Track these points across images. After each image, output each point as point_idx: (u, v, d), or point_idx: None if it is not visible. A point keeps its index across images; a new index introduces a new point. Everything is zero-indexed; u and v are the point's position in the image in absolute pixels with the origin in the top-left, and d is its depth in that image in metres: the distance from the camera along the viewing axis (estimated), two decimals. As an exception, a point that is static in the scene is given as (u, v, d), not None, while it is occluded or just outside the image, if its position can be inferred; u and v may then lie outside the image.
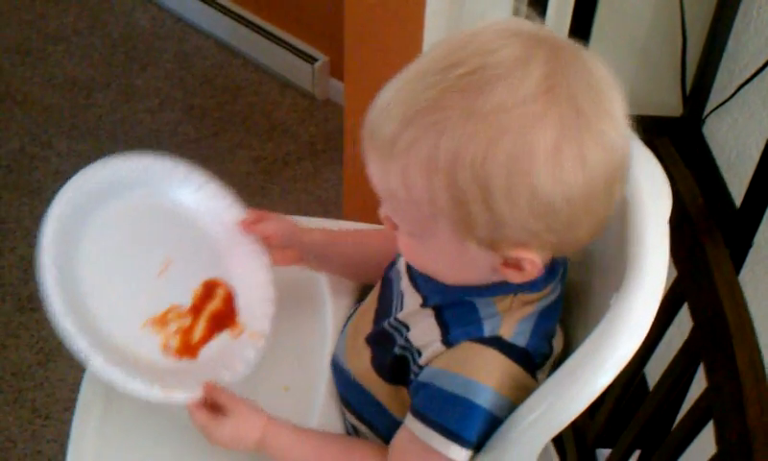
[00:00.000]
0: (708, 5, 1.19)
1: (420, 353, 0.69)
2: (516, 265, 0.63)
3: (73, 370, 1.56)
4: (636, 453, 0.93)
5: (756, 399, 0.67)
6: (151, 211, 0.83)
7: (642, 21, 1.28)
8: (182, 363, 0.77)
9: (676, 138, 0.63)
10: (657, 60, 1.26)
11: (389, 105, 0.60)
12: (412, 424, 0.67)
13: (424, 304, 0.71)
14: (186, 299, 0.80)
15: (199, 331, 0.79)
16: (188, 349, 0.78)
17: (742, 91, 1.16)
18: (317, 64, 2.17)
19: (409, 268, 0.74)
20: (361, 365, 0.76)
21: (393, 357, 0.72)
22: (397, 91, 0.60)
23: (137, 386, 0.71)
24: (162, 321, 0.78)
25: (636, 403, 0.89)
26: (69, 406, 1.50)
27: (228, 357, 0.78)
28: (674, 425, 0.80)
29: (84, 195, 0.82)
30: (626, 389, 0.91)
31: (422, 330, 0.70)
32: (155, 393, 0.71)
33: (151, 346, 0.76)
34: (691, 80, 1.24)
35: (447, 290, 0.69)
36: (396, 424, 0.71)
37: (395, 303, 0.75)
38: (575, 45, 0.60)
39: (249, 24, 2.28)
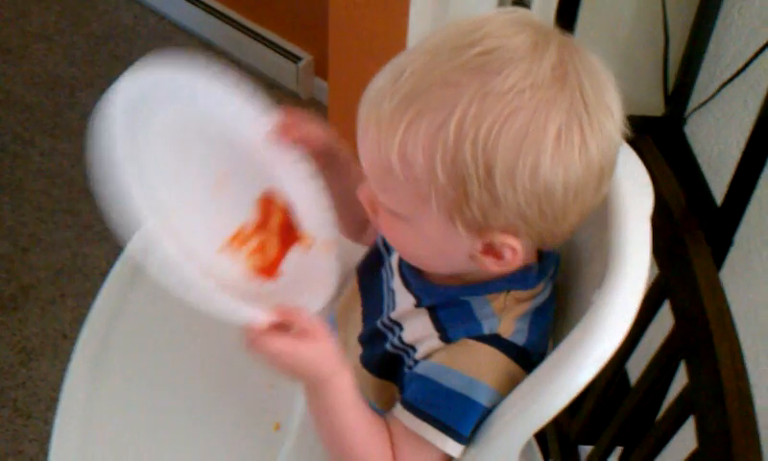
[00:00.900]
0: (689, 6, 1.20)
1: (414, 349, 0.69)
2: (497, 253, 0.63)
3: (55, 369, 1.55)
4: (618, 450, 0.94)
5: (737, 393, 0.68)
6: (186, 128, 0.72)
7: (624, 22, 1.29)
8: (267, 285, 0.70)
9: (658, 138, 0.64)
10: (639, 61, 1.27)
11: (398, 78, 0.60)
12: (403, 416, 0.67)
13: (418, 305, 0.71)
14: (249, 216, 0.73)
15: (273, 248, 0.72)
16: (270, 267, 0.71)
17: (723, 91, 1.17)
18: (301, 64, 2.17)
19: (401, 267, 0.74)
20: (348, 361, 0.76)
21: (383, 353, 0.72)
22: (408, 65, 0.60)
23: (247, 312, 0.62)
24: (236, 243, 0.71)
25: (618, 400, 0.89)
26: (51, 406, 1.49)
27: (310, 271, 0.72)
28: (655, 421, 0.81)
29: (128, 116, 0.69)
30: (608, 385, 0.92)
31: (417, 328, 0.70)
32: (261, 316, 0.63)
33: (233, 271, 0.69)
34: (673, 80, 1.25)
35: (440, 290, 0.69)
36: None
37: (386, 301, 0.75)
38: (579, 41, 0.62)
39: (233, 23, 2.27)
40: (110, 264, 1.78)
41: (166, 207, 0.63)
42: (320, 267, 0.72)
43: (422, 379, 0.67)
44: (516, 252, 0.62)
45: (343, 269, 0.89)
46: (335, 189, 0.81)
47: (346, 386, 0.66)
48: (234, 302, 0.62)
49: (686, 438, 0.75)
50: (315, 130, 0.76)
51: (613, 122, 0.61)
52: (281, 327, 0.63)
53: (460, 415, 0.65)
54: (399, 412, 0.67)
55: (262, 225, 0.73)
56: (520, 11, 0.63)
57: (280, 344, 0.63)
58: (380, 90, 0.61)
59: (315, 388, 0.66)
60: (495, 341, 0.66)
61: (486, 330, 0.66)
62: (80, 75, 2.23)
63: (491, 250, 0.63)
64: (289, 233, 0.73)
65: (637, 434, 0.84)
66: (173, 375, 0.86)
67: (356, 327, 0.78)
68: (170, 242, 0.60)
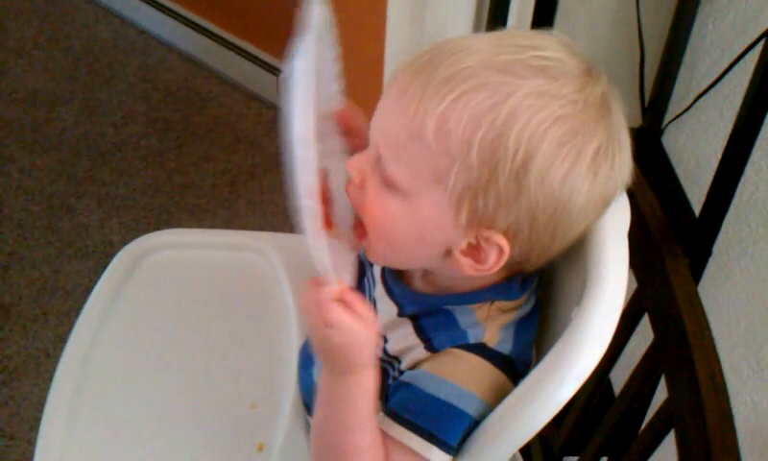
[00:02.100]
0: (664, 18, 1.22)
1: (399, 361, 0.69)
2: (479, 254, 0.63)
3: (37, 388, 1.54)
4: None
5: (716, 407, 0.69)
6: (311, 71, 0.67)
7: (600, 35, 1.30)
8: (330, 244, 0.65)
9: (635, 149, 0.65)
10: (615, 73, 1.28)
11: (458, 51, 0.61)
12: (385, 424, 0.66)
13: (401, 314, 0.71)
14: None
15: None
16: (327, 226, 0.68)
17: (699, 102, 1.19)
18: (281, 75, 2.17)
19: (384, 276, 0.74)
20: None
21: None
22: (470, 44, 0.61)
23: (330, 270, 0.61)
24: (320, 195, 0.66)
25: (602, 411, 0.90)
26: (35, 425, 1.47)
27: (341, 262, 0.69)
28: (638, 433, 0.81)
29: None
30: (591, 397, 0.92)
31: (400, 339, 0.70)
32: (335, 283, 0.61)
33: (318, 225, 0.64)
34: (650, 91, 1.26)
35: (422, 298, 0.70)
36: None
37: None
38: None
39: (212, 36, 2.27)
40: (92, 281, 1.77)
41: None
42: (345, 258, 0.70)
43: (408, 387, 0.67)
44: (501, 256, 0.63)
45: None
46: None
47: (372, 384, 0.65)
48: (329, 254, 0.60)
49: (670, 448, 0.76)
50: (364, 128, 0.75)
51: (629, 163, 0.65)
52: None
53: (446, 424, 0.64)
54: (382, 420, 0.67)
55: (322, 193, 0.69)
56: (566, 38, 0.65)
57: (343, 316, 0.61)
58: (434, 58, 0.61)
59: (344, 374, 0.64)
60: (481, 350, 0.66)
61: (471, 339, 0.66)
62: (59, 90, 2.23)
63: (474, 250, 0.64)
64: (326, 213, 0.70)
65: (622, 445, 0.85)
66: (155, 394, 0.85)
67: None
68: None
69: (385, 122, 0.64)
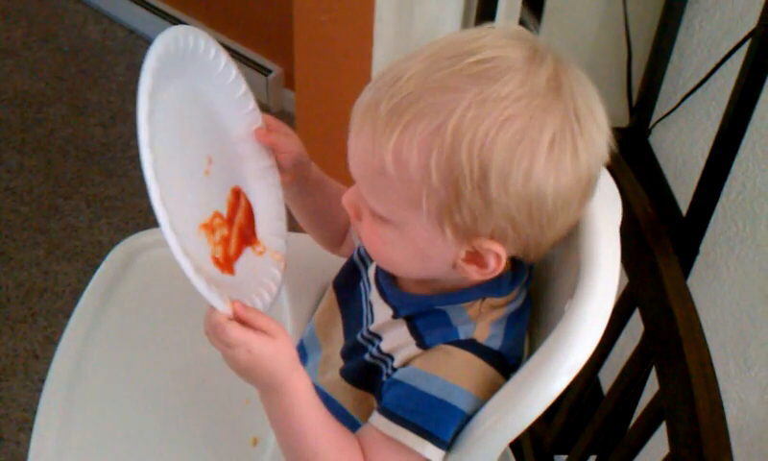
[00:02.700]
0: (651, 18, 1.23)
1: (392, 358, 0.70)
2: (480, 260, 0.64)
3: (26, 389, 1.53)
4: (593, 459, 0.95)
5: (707, 398, 0.70)
6: (188, 104, 0.72)
7: (588, 35, 1.31)
8: (225, 277, 0.70)
9: (623, 148, 0.65)
10: (603, 73, 1.30)
11: (395, 81, 0.61)
12: (380, 422, 0.66)
13: (396, 316, 0.72)
14: (223, 205, 0.73)
15: (233, 245, 0.73)
16: (227, 262, 0.72)
17: (687, 102, 1.20)
18: (271, 76, 2.17)
19: (378, 279, 0.75)
20: (329, 374, 0.77)
21: (362, 363, 0.73)
22: (406, 70, 0.61)
23: (214, 298, 0.63)
24: (210, 227, 0.71)
25: (592, 409, 0.91)
26: (23, 426, 1.47)
27: (259, 276, 0.73)
28: (628, 428, 0.82)
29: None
30: (581, 394, 0.93)
31: (394, 338, 0.71)
32: (224, 307, 0.63)
33: (203, 254, 0.69)
34: (637, 91, 1.28)
35: (416, 299, 0.70)
36: None
37: (365, 313, 0.76)
38: (571, 58, 0.64)
39: (202, 37, 2.27)
40: (81, 282, 1.78)
41: (165, 174, 0.62)
42: (267, 273, 0.73)
43: (400, 385, 0.67)
44: (500, 259, 0.64)
45: (319, 281, 0.90)
46: (307, 206, 0.83)
47: (304, 387, 0.66)
48: (207, 285, 0.62)
49: (659, 445, 0.77)
50: (288, 143, 0.78)
51: (602, 136, 0.63)
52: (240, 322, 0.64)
53: (439, 420, 0.65)
54: (376, 419, 0.67)
55: (229, 219, 0.74)
56: (516, 27, 0.65)
57: (241, 333, 0.63)
58: (377, 92, 0.62)
59: (272, 388, 0.65)
60: (471, 346, 0.66)
61: (462, 336, 0.67)
62: (48, 90, 2.22)
63: (474, 257, 0.64)
64: (247, 234, 0.75)
65: (611, 442, 0.86)
66: (148, 391, 0.85)
67: (338, 342, 0.78)
68: (162, 212, 0.61)
69: (353, 161, 0.65)
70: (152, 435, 0.82)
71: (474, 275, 0.65)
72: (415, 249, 0.65)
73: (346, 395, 0.75)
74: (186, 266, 0.61)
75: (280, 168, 0.78)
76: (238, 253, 0.73)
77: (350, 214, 0.69)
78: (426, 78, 0.60)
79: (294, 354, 0.66)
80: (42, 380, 0.86)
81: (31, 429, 0.82)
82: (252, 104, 0.77)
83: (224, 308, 0.63)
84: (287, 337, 0.66)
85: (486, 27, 0.64)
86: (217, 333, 0.63)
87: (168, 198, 0.62)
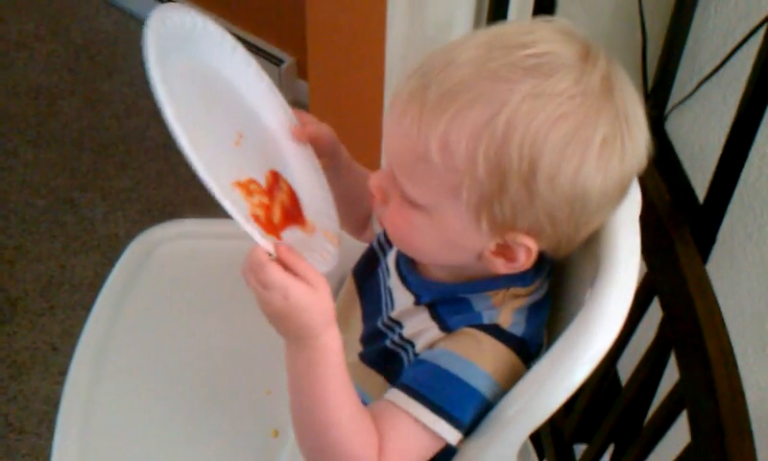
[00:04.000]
0: (666, 4, 1.22)
1: (413, 345, 0.70)
2: (509, 253, 0.64)
3: (46, 382, 1.55)
4: (612, 447, 0.96)
5: (728, 386, 0.70)
6: (208, 82, 0.72)
7: (602, 21, 1.31)
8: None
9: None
10: (617, 59, 1.29)
11: (448, 65, 0.60)
12: (395, 396, 0.65)
13: (418, 303, 0.71)
14: (260, 178, 0.70)
15: (277, 215, 0.69)
16: (271, 227, 0.68)
17: (703, 88, 1.19)
18: (283, 66, 2.17)
19: (399, 265, 0.75)
20: (348, 358, 0.77)
21: (382, 349, 0.73)
22: (458, 55, 0.60)
23: (256, 234, 0.60)
24: (247, 188, 0.68)
25: (611, 399, 0.91)
26: (44, 419, 1.48)
27: (311, 247, 0.69)
28: (647, 418, 0.82)
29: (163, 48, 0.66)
30: (600, 384, 0.93)
31: (416, 324, 0.71)
32: (268, 245, 0.61)
33: (241, 207, 0.65)
34: (652, 77, 1.27)
35: (440, 287, 0.70)
36: None
37: (384, 300, 0.76)
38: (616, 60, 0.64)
39: (214, 28, 2.27)
40: (98, 275, 1.79)
41: (190, 131, 0.61)
42: (322, 247, 0.71)
43: (421, 363, 0.67)
44: (530, 254, 0.64)
45: (338, 270, 0.90)
46: (337, 189, 0.82)
47: (336, 347, 0.63)
48: (246, 218, 0.60)
49: (677, 435, 0.77)
50: (322, 132, 0.78)
51: (643, 138, 0.63)
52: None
53: (456, 399, 0.64)
54: (393, 394, 0.66)
55: (269, 190, 0.71)
56: (564, 21, 0.64)
57: (280, 276, 0.60)
58: (425, 76, 0.61)
59: (302, 341, 0.62)
60: (495, 331, 0.66)
61: (486, 320, 0.67)
62: (61, 83, 2.23)
63: (504, 250, 0.64)
64: (294, 215, 0.72)
65: (630, 432, 0.86)
66: (170, 383, 0.86)
67: (357, 329, 0.78)
68: (181, 131, 0.60)
69: (391, 145, 0.64)
70: (172, 425, 0.83)
71: (501, 267, 0.65)
72: (444, 237, 0.65)
73: (364, 379, 0.74)
74: (216, 189, 0.58)
75: (319, 152, 0.78)
76: (284, 224, 0.69)
77: (377, 197, 0.68)
78: (480, 66, 0.59)
79: (331, 310, 0.63)
80: (62, 373, 0.87)
81: (51, 422, 0.83)
82: (278, 96, 0.77)
83: (265, 244, 0.60)
84: (328, 291, 0.62)
85: (538, 20, 0.64)
86: (256, 272, 0.60)
87: (195, 146, 0.60)
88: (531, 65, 0.59)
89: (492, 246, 0.64)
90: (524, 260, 0.64)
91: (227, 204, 0.60)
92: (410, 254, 0.71)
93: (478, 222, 0.62)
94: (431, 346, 0.68)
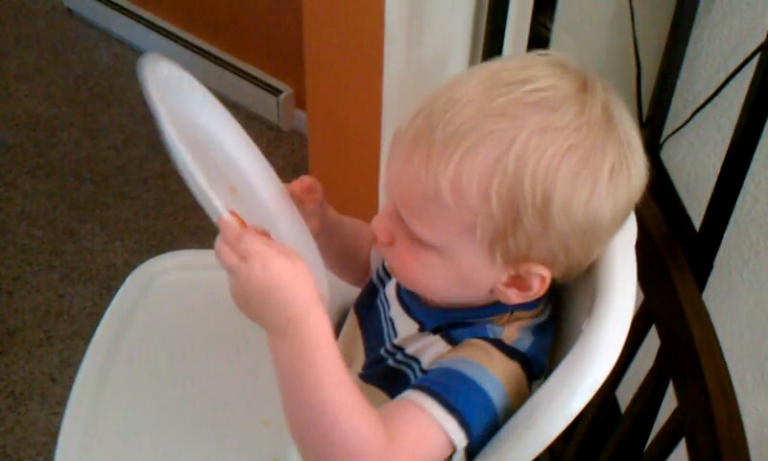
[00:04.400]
0: (660, 33, 1.23)
1: (418, 361, 0.70)
2: (522, 284, 0.65)
3: (44, 413, 1.54)
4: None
5: (725, 413, 0.70)
6: (193, 134, 0.70)
7: (596, 51, 1.32)
8: None
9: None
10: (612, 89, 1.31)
11: (453, 105, 0.61)
12: (411, 395, 0.63)
13: (422, 329, 0.71)
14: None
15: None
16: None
17: (697, 116, 1.21)
18: (282, 96, 2.19)
19: (400, 295, 0.75)
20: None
21: (386, 367, 0.72)
22: (462, 95, 0.61)
23: (220, 206, 0.58)
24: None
25: (610, 426, 0.91)
26: (41, 450, 1.47)
27: None
28: (646, 446, 0.82)
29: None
30: (600, 412, 0.93)
31: (421, 344, 0.70)
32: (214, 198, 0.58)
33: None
34: (647, 107, 1.28)
35: (444, 314, 0.70)
36: None
37: (386, 331, 0.76)
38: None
39: (213, 58, 2.29)
40: (97, 305, 1.79)
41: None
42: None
43: (434, 369, 0.66)
44: (544, 282, 0.64)
45: (337, 305, 0.90)
46: (332, 247, 0.82)
47: (327, 325, 0.59)
48: (209, 185, 0.57)
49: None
50: (310, 188, 0.78)
51: (642, 161, 0.65)
52: None
53: (468, 400, 0.63)
54: (406, 393, 0.64)
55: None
56: (558, 54, 0.65)
57: (259, 243, 0.56)
58: (429, 117, 0.61)
59: (288, 323, 0.57)
60: (499, 344, 0.66)
61: (490, 335, 0.67)
62: (60, 114, 2.24)
63: (516, 281, 0.65)
64: None
65: (629, 460, 0.86)
66: (168, 414, 0.86)
67: (360, 361, 0.78)
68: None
69: (398, 187, 0.64)
70: (171, 457, 0.83)
71: (514, 297, 0.66)
72: (457, 274, 0.65)
73: (366, 396, 0.72)
74: (185, 158, 0.57)
75: (307, 216, 0.76)
76: None
77: (382, 240, 0.68)
78: (485, 105, 0.60)
79: (314, 285, 0.58)
80: (60, 404, 0.87)
81: (49, 453, 0.83)
82: (264, 160, 0.76)
83: (225, 215, 0.57)
84: (305, 264, 0.59)
85: (532, 55, 0.65)
86: (233, 243, 0.56)
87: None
88: (534, 101, 0.60)
89: (504, 278, 0.65)
90: (538, 288, 0.65)
91: (186, 160, 0.58)
92: (420, 292, 0.71)
93: (492, 257, 0.63)
94: (439, 359, 0.68)
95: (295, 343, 0.58)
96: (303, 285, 0.58)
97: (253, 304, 0.58)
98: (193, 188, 0.59)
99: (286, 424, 0.80)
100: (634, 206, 0.66)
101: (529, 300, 0.66)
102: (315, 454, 0.61)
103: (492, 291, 0.66)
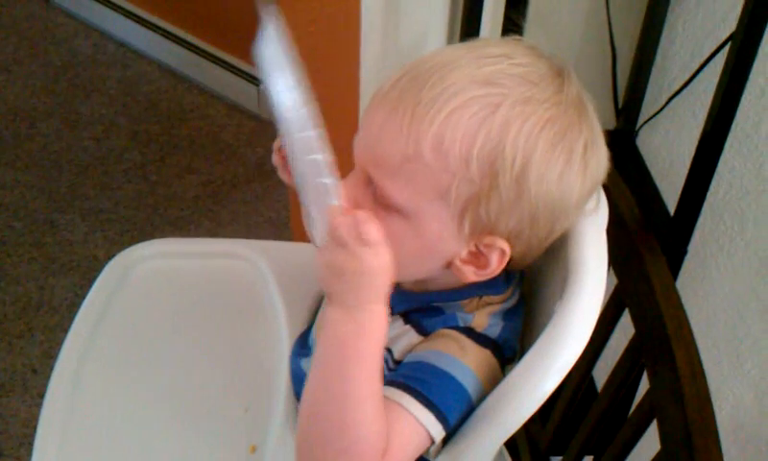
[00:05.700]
0: (635, 21, 1.24)
1: (390, 351, 0.70)
2: (479, 260, 0.65)
3: (25, 405, 1.54)
4: (588, 459, 0.96)
5: (695, 394, 0.71)
6: None
7: (572, 38, 1.33)
8: None
9: (610, 150, 0.67)
10: (588, 76, 1.31)
11: (440, 68, 0.62)
12: (389, 392, 0.64)
13: (391, 313, 0.72)
14: None
15: None
16: None
17: (672, 103, 1.22)
18: (261, 85, 2.18)
19: None
20: None
21: None
22: (449, 61, 0.63)
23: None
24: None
25: (587, 409, 0.92)
26: (24, 442, 1.48)
27: None
28: (622, 427, 0.84)
29: None
30: (575, 393, 0.94)
31: (391, 331, 0.70)
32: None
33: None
34: (623, 94, 1.29)
35: (412, 296, 0.71)
36: None
37: None
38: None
39: (193, 47, 2.29)
40: (78, 296, 1.79)
41: None
42: None
43: (408, 363, 0.67)
44: (503, 258, 0.65)
45: (313, 289, 0.91)
46: None
47: (386, 322, 0.62)
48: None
49: (652, 444, 0.78)
50: None
51: (606, 154, 0.67)
52: None
53: (443, 393, 0.64)
54: (385, 389, 0.64)
55: None
56: (532, 42, 0.67)
57: (381, 235, 0.60)
58: (415, 79, 0.62)
59: (363, 304, 0.60)
60: (470, 333, 0.67)
61: (461, 323, 0.68)
62: (40, 105, 2.23)
63: (475, 258, 0.66)
64: None
65: (606, 442, 0.87)
66: (147, 402, 0.86)
67: None
68: None
69: (375, 146, 0.64)
70: (151, 445, 0.83)
71: (470, 275, 0.66)
72: (420, 243, 0.65)
73: None
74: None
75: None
76: None
77: (349, 203, 0.66)
78: (473, 70, 0.62)
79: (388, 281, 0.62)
80: (41, 395, 0.87)
81: (31, 445, 0.83)
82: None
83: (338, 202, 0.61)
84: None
85: (508, 39, 0.67)
86: (359, 225, 0.59)
87: None
88: (517, 73, 0.62)
89: (464, 253, 0.65)
90: (496, 265, 0.65)
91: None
92: None
93: (460, 224, 0.63)
94: (411, 350, 0.68)
95: (358, 322, 0.61)
96: (388, 276, 0.61)
97: (343, 280, 0.61)
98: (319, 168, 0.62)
99: (265, 412, 0.81)
100: (594, 191, 0.68)
101: (485, 278, 0.66)
102: (320, 429, 0.62)
103: (449, 265, 0.66)
